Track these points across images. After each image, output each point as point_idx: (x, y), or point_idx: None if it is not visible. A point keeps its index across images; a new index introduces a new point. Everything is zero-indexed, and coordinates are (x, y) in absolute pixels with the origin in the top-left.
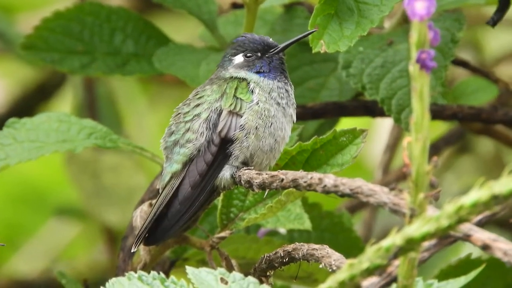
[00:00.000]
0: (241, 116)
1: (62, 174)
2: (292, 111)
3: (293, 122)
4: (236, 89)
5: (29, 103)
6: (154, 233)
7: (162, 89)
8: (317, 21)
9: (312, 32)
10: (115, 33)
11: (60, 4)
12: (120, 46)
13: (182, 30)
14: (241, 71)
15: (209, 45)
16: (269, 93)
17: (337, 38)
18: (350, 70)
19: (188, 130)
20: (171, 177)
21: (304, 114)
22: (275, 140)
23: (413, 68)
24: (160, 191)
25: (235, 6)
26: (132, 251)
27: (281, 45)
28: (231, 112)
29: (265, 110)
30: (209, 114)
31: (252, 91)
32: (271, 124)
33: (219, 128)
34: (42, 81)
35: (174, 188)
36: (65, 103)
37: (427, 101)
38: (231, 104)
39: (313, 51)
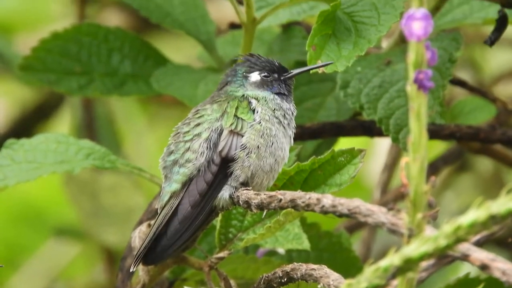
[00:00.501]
0: (242, 136)
1: (62, 193)
2: (291, 133)
3: (291, 144)
4: (236, 108)
5: (28, 123)
6: (153, 252)
7: (162, 109)
8: (314, 41)
9: (328, 64)
10: (112, 53)
11: (58, 25)
12: (118, 66)
13: (180, 50)
14: (259, 90)
15: (207, 65)
16: (273, 110)
17: (335, 58)
18: (348, 90)
19: (188, 149)
20: (171, 197)
21: (302, 134)
22: (275, 160)
23: (411, 88)
24: (159, 211)
25: (232, 26)
26: (131, 270)
27: (294, 71)
28: (232, 132)
29: (266, 129)
30: (209, 134)
31: (254, 110)
32: (272, 143)
33: (219, 148)
34: (41, 101)
35: (174, 208)
36: (64, 123)
37: (424, 121)
38: (232, 124)
39: (311, 71)
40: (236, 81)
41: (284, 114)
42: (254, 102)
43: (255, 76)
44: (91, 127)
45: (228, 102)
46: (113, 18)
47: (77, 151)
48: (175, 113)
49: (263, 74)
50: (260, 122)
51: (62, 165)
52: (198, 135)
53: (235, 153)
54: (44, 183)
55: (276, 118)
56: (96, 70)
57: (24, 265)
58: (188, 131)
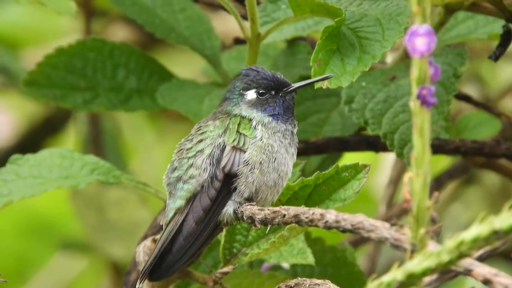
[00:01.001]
0: (245, 152)
1: (69, 207)
2: (293, 150)
3: (294, 160)
4: (239, 124)
5: (36, 137)
6: (158, 268)
7: (170, 123)
8: (319, 56)
9: (328, 77)
10: (118, 69)
11: (66, 40)
12: (123, 81)
13: (185, 66)
14: (253, 110)
15: (212, 80)
16: (273, 133)
17: (339, 74)
18: (353, 105)
19: (191, 166)
20: (175, 213)
21: (306, 149)
22: (279, 175)
23: (414, 104)
24: (164, 227)
25: (237, 41)
26: (136, 287)
27: (295, 85)
28: (234, 148)
29: (268, 145)
30: (212, 150)
31: (255, 127)
32: (275, 159)
33: (222, 164)
34: (49, 115)
35: (178, 224)
36: (72, 137)
37: (427, 137)
38: (234, 140)
39: (316, 87)
40: (233, 99)
41: (283, 135)
42: (254, 121)
43: (251, 94)
44: (97, 141)
45: (230, 119)
46: (118, 34)
47: (82, 166)
48: (184, 127)
49: (260, 92)
50: (261, 139)
51: (67, 180)
52: (201, 151)
53: (238, 169)
54: (52, 196)
55: (277, 137)
56: (101, 86)
57: (32, 278)
58: (191, 148)
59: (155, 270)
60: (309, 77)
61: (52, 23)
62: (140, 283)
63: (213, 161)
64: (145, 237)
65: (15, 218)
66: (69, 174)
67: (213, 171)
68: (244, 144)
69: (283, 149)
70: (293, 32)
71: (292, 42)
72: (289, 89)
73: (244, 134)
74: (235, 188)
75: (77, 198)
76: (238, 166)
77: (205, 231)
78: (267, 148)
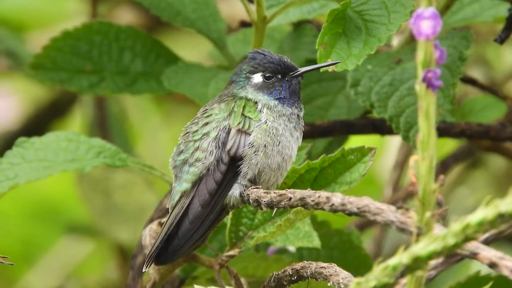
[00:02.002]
0: (250, 134)
1: (75, 190)
2: (298, 134)
3: (299, 143)
4: (244, 107)
5: (42, 121)
6: (164, 252)
7: (176, 106)
8: (324, 39)
9: (335, 63)
10: (123, 52)
11: (73, 23)
12: (129, 65)
13: (191, 49)
14: (259, 93)
15: (218, 63)
16: (278, 116)
17: (345, 57)
18: (359, 88)
19: (197, 149)
20: (181, 196)
21: (312, 132)
22: (283, 158)
23: (419, 87)
24: (170, 211)
25: (243, 24)
26: (143, 271)
27: (302, 69)
28: (239, 131)
29: (273, 128)
30: (218, 133)
31: (260, 110)
32: (279, 142)
33: (228, 147)
34: (55, 99)
35: (184, 207)
36: (78, 120)
37: (433, 120)
38: (239, 123)
39: (322, 70)
40: (239, 82)
41: (289, 119)
42: (260, 104)
43: (257, 78)
44: (103, 124)
45: (235, 102)
46: (124, 17)
47: (88, 149)
48: (190, 110)
49: (266, 75)
50: (266, 122)
51: (72, 163)
52: (207, 134)
53: (243, 151)
54: (59, 180)
55: (282, 121)
56: (107, 69)
57: (38, 262)
58: (197, 130)
59: (162, 254)
60: (315, 61)
61: (58, 6)
62: (146, 266)
63: (219, 144)
64: (151, 221)
65: (22, 201)
66: (75, 157)
67: (219, 154)
68: (249, 127)
69: (288, 132)
70: (299, 15)
71: (298, 25)
72: (295, 73)
73: (249, 117)
74: (240, 171)
75: (83, 182)
76: (243, 148)
77: (211, 214)
78: (271, 131)
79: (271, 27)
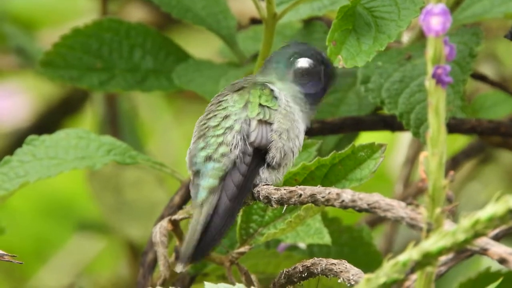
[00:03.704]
0: (271, 124)
1: (86, 188)
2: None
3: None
4: (260, 97)
5: (53, 118)
6: (196, 249)
7: (187, 103)
8: (335, 36)
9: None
10: (134, 49)
11: (84, 20)
12: (139, 62)
13: (201, 46)
14: (290, 82)
15: (228, 60)
16: (294, 103)
17: (355, 53)
18: (369, 85)
19: (221, 143)
20: (209, 193)
21: (323, 129)
22: (299, 143)
23: (429, 83)
24: (198, 208)
25: (253, 21)
26: (179, 271)
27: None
28: (261, 121)
29: (291, 113)
30: (241, 126)
31: (277, 97)
32: (297, 128)
33: (252, 139)
34: (65, 96)
35: (214, 203)
36: (88, 118)
37: (443, 116)
38: (258, 113)
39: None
40: (280, 66)
41: (301, 111)
42: (276, 89)
43: (303, 62)
44: (114, 122)
45: (249, 92)
46: (135, 14)
47: (98, 147)
48: (200, 107)
49: (311, 62)
50: (285, 108)
51: (83, 161)
52: (230, 128)
53: (267, 140)
54: (70, 177)
55: (297, 105)
56: (118, 66)
57: (50, 259)
58: (218, 125)
59: (194, 251)
60: None
61: (69, 4)
62: (184, 266)
63: (243, 136)
64: (161, 218)
65: (33, 199)
66: (85, 155)
67: (243, 147)
68: (270, 116)
69: (301, 119)
70: (309, 11)
71: (308, 22)
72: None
73: (267, 107)
74: (265, 158)
75: (94, 179)
76: (267, 139)
77: (238, 207)
78: (290, 116)
79: (281, 24)
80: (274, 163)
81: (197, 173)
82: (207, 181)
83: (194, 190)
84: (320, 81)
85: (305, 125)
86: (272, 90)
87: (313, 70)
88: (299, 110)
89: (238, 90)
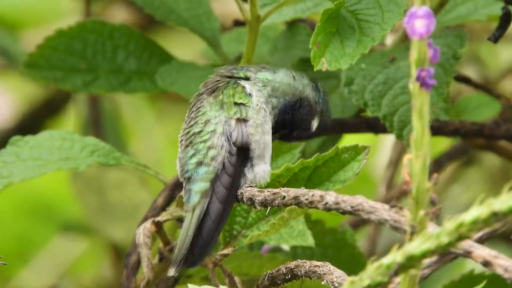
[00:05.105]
0: (247, 120)
1: (69, 189)
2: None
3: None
4: (233, 96)
5: (36, 119)
6: (190, 255)
7: (170, 104)
8: (318, 39)
9: None
10: (117, 50)
11: (68, 21)
12: (123, 63)
13: (185, 48)
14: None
15: (211, 62)
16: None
17: (339, 56)
18: (352, 87)
19: (210, 147)
20: (201, 196)
21: None
22: (270, 139)
23: (413, 86)
24: (190, 212)
25: (237, 23)
26: (171, 275)
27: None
28: (238, 120)
29: (262, 109)
30: (223, 127)
31: (250, 94)
32: (267, 122)
33: (233, 138)
34: (49, 97)
35: (205, 207)
36: (71, 119)
37: (427, 119)
38: (235, 112)
39: (315, 69)
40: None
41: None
42: (247, 86)
43: (314, 123)
44: (97, 123)
45: (222, 92)
46: (118, 15)
47: (82, 148)
48: (183, 108)
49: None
50: (257, 104)
51: (67, 162)
52: (214, 131)
53: (247, 137)
54: (53, 178)
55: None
56: (101, 67)
57: (32, 260)
58: (202, 130)
59: (187, 257)
60: (308, 59)
61: (52, 5)
62: (176, 271)
63: (226, 137)
64: (145, 219)
65: (16, 200)
66: (69, 156)
67: (228, 147)
68: (246, 114)
69: (268, 115)
70: (293, 14)
71: (292, 24)
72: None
73: (242, 104)
74: (245, 158)
75: (77, 180)
76: (247, 136)
77: (228, 209)
78: (262, 112)
79: (264, 26)
80: (258, 156)
81: (188, 180)
82: (199, 185)
83: (186, 195)
84: (309, 129)
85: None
86: (243, 87)
87: (287, 115)
88: (269, 112)
89: (213, 92)
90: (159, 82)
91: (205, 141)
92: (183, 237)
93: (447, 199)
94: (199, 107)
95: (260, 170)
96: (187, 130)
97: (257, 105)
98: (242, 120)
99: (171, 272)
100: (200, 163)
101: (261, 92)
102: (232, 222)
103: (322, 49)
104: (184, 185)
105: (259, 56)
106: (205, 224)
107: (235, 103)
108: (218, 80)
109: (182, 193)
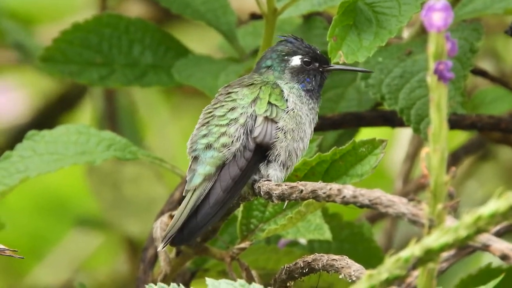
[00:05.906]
0: (277, 122)
1: (85, 183)
2: (312, 129)
3: (310, 137)
4: (270, 95)
5: (52, 114)
6: (180, 234)
7: (185, 99)
8: (335, 32)
9: (368, 71)
10: (133, 44)
11: (83, 15)
12: (139, 57)
13: (201, 41)
14: (291, 79)
15: (228, 56)
16: (302, 105)
17: (356, 49)
18: (369, 81)
19: (223, 134)
20: (204, 179)
21: (323, 124)
22: (303, 146)
23: (431, 79)
24: (190, 192)
25: (254, 17)
26: (159, 250)
27: (336, 66)
28: (267, 118)
29: (298, 116)
30: (246, 119)
31: (287, 99)
32: (304, 130)
33: (255, 134)
34: (65, 91)
35: (207, 191)
36: (87, 113)
37: (444, 112)
38: (266, 110)
39: (332, 62)
40: (275, 65)
41: (310, 110)
42: (286, 91)
43: (296, 60)
44: (113, 117)
45: (260, 88)
46: (134, 9)
47: (98, 142)
48: (199, 103)
49: (305, 60)
50: (293, 109)
51: (83, 156)
52: (235, 120)
53: (271, 139)
54: (68, 173)
55: (305, 110)
56: (117, 61)
57: (47, 255)
58: (224, 115)
59: (177, 236)
60: (326, 53)
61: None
62: (163, 246)
63: (246, 131)
64: (161, 213)
65: (31, 195)
66: (85, 150)
67: (245, 141)
68: (276, 115)
69: (308, 122)
70: (309, 7)
71: (308, 18)
72: (329, 68)
73: (275, 105)
74: (265, 158)
75: (93, 175)
76: (271, 136)
77: (231, 200)
78: (297, 119)
79: (281, 20)
80: (278, 161)
81: (195, 159)
82: (204, 168)
83: (190, 174)
84: (316, 77)
85: (313, 126)
86: (282, 91)
87: (307, 68)
88: (307, 109)
89: (249, 85)
90: (175, 75)
91: (221, 126)
92: (178, 215)
93: (463, 194)
94: (230, 93)
95: (274, 174)
96: (210, 110)
97: (292, 111)
98: (271, 120)
99: (158, 247)
100: (209, 146)
101: (295, 95)
102: (249, 216)
103: (339, 42)
104: (190, 163)
105: None
106: (202, 207)
107: (269, 102)
108: (255, 78)
109: (187, 171)
